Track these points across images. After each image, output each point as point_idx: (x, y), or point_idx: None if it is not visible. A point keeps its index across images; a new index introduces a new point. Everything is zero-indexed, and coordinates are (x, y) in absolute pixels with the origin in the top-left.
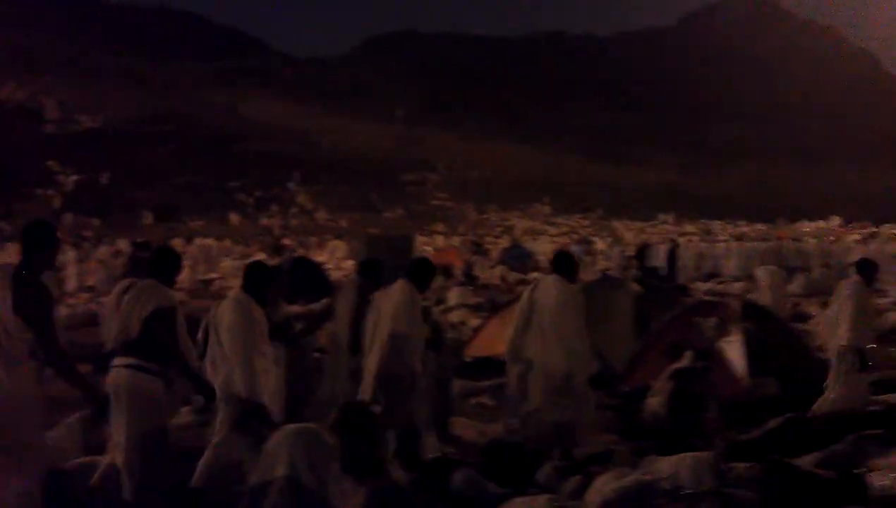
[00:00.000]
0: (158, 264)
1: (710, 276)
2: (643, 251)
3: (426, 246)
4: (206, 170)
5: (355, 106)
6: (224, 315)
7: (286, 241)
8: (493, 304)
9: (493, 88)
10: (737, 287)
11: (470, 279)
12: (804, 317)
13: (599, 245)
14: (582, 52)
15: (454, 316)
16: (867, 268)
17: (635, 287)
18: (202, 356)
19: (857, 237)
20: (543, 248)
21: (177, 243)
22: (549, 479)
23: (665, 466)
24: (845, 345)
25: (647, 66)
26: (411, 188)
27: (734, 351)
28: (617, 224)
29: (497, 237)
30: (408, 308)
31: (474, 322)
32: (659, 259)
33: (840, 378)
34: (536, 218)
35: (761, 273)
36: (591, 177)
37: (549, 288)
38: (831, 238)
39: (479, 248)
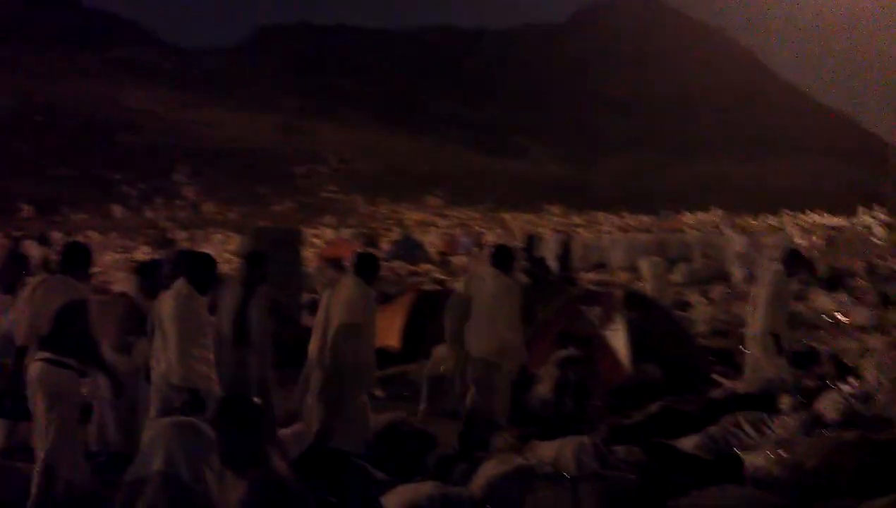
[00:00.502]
0: (69, 259)
1: (597, 267)
2: (531, 242)
3: (316, 238)
4: (88, 161)
5: (244, 97)
6: (165, 305)
7: (174, 235)
8: (383, 296)
9: (384, 81)
10: (622, 277)
11: None
12: (685, 305)
13: (489, 237)
14: (472, 45)
15: None
16: (792, 259)
17: (523, 278)
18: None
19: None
20: (434, 240)
21: (56, 237)
22: (436, 466)
23: (548, 451)
24: (762, 330)
25: (537, 61)
26: (301, 180)
27: (618, 339)
28: (506, 215)
29: (388, 229)
30: (360, 302)
31: None
32: (547, 250)
33: (764, 361)
34: (427, 210)
35: (645, 263)
36: (481, 169)
37: (486, 280)
38: (712, 229)
39: (369, 240)
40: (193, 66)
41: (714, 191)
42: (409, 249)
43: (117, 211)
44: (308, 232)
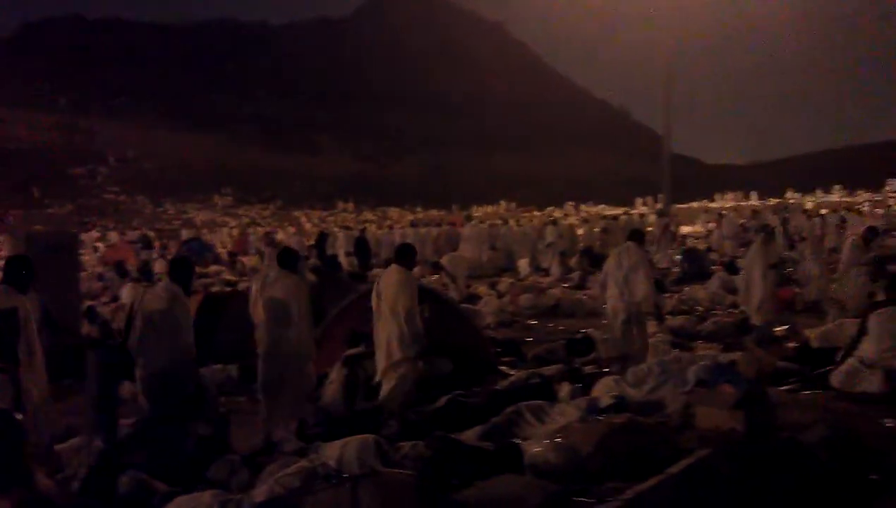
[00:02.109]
0: (10, 271)
1: (388, 262)
2: (322, 240)
3: (98, 242)
4: None
5: (13, 94)
6: (155, 302)
7: None
8: None
9: (164, 76)
10: (415, 271)
11: (147, 275)
12: (475, 298)
13: (280, 235)
14: (255, 40)
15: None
16: (638, 236)
17: (311, 276)
18: (124, 342)
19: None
20: (223, 240)
21: None
22: (219, 474)
23: (331, 451)
24: (650, 304)
25: (321, 56)
26: (80, 181)
27: None
28: (298, 213)
29: (175, 230)
30: (298, 295)
31: None
32: (338, 247)
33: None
34: (216, 209)
35: (446, 259)
36: (271, 167)
37: (391, 275)
38: (499, 221)
39: (154, 243)
40: None
41: (506, 185)
42: (198, 250)
43: None
44: (91, 235)
